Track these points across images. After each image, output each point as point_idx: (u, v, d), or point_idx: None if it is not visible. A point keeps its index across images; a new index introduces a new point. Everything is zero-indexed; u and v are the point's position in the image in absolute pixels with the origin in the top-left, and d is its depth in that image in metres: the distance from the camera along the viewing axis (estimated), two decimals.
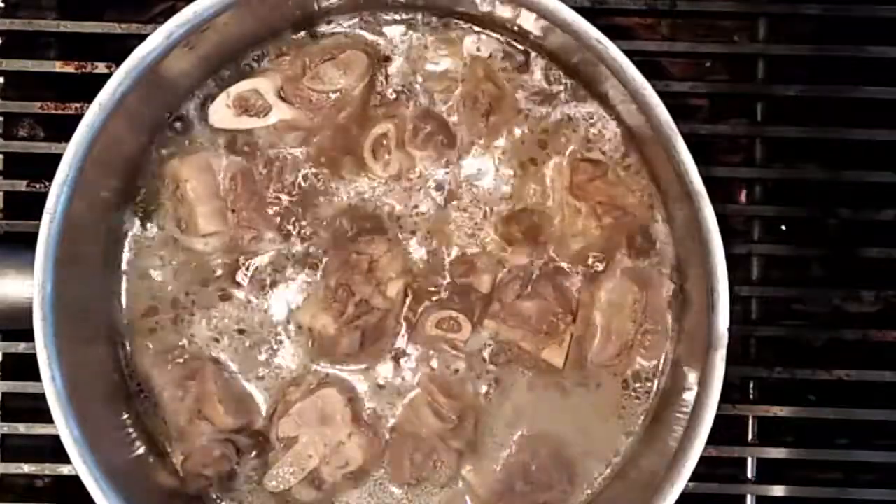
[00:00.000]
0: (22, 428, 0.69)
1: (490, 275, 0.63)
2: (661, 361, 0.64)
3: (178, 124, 0.64)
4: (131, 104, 0.58)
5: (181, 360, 0.64)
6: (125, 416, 0.63)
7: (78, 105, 0.69)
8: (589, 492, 0.64)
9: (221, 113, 0.64)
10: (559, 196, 0.64)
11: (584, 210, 0.63)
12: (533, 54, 0.64)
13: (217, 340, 0.64)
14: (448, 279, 0.64)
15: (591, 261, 0.63)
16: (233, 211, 0.63)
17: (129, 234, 0.64)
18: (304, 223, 0.64)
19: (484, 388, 0.64)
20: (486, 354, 0.64)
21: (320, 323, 0.63)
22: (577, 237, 0.63)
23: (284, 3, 0.61)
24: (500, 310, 0.63)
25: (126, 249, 0.64)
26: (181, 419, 0.63)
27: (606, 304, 0.63)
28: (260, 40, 0.64)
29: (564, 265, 0.63)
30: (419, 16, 0.64)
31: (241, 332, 0.64)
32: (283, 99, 0.64)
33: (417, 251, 0.64)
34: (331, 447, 0.63)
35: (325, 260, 0.64)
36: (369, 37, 0.64)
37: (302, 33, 0.64)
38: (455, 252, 0.64)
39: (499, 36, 0.64)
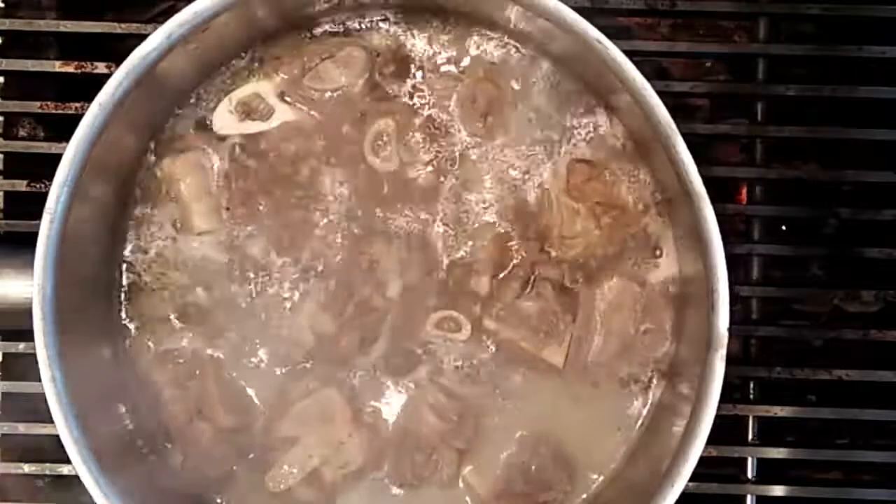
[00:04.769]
0: (22, 428, 0.69)
1: (488, 276, 0.63)
2: (661, 361, 0.64)
3: (177, 125, 0.64)
4: (131, 104, 0.57)
5: (181, 360, 0.64)
6: (125, 416, 0.63)
7: (78, 105, 0.69)
8: (588, 492, 0.64)
9: (225, 119, 0.64)
10: (557, 198, 0.64)
11: (583, 211, 0.63)
12: (533, 55, 0.64)
13: (217, 340, 0.64)
14: (447, 280, 0.63)
15: (591, 261, 0.63)
16: (227, 209, 0.63)
17: (128, 233, 0.64)
18: (303, 222, 0.64)
19: (484, 388, 0.64)
20: (486, 354, 0.64)
21: (320, 323, 0.63)
22: (576, 238, 0.63)
23: (284, 3, 0.62)
24: (500, 310, 0.63)
25: (125, 249, 0.64)
26: (181, 419, 0.63)
27: (606, 303, 0.63)
28: (259, 40, 0.64)
29: (564, 266, 0.63)
30: (419, 15, 0.64)
31: (240, 331, 0.64)
32: (284, 101, 0.64)
33: (417, 252, 0.64)
34: (331, 447, 0.63)
35: (324, 260, 0.64)
36: (368, 35, 0.64)
37: (301, 33, 0.64)
38: (454, 253, 0.64)
39: (499, 36, 0.64)
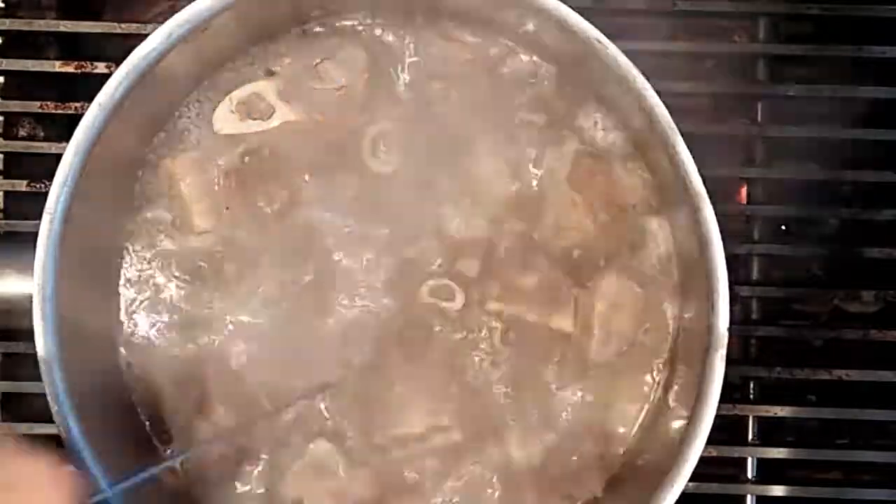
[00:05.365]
0: (22, 428, 0.69)
1: (478, 260, 0.63)
2: (661, 361, 0.64)
3: (178, 125, 0.64)
4: (131, 104, 0.58)
5: (182, 359, 0.64)
6: (125, 416, 0.63)
7: (78, 105, 0.69)
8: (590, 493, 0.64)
9: (225, 119, 0.64)
10: (558, 186, 0.64)
11: (581, 204, 0.63)
12: (533, 54, 0.64)
13: (217, 340, 0.64)
14: (440, 265, 0.63)
15: (584, 257, 0.63)
16: (227, 209, 0.63)
17: (128, 233, 0.64)
18: (303, 221, 0.64)
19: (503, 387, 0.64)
20: (495, 338, 0.63)
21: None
22: (570, 229, 0.63)
23: (284, 2, 0.62)
24: (500, 290, 0.63)
25: (125, 249, 0.64)
26: (181, 419, 0.63)
27: (606, 303, 0.63)
28: (260, 40, 0.64)
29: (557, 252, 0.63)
30: (419, 15, 0.64)
31: (241, 330, 0.64)
32: (284, 100, 0.64)
33: (412, 242, 0.64)
34: (337, 496, 0.63)
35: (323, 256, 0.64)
36: (368, 35, 0.64)
37: (301, 33, 0.64)
38: (447, 240, 0.63)
39: (499, 36, 0.64)
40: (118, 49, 0.67)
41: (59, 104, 0.69)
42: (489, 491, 0.63)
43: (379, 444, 0.63)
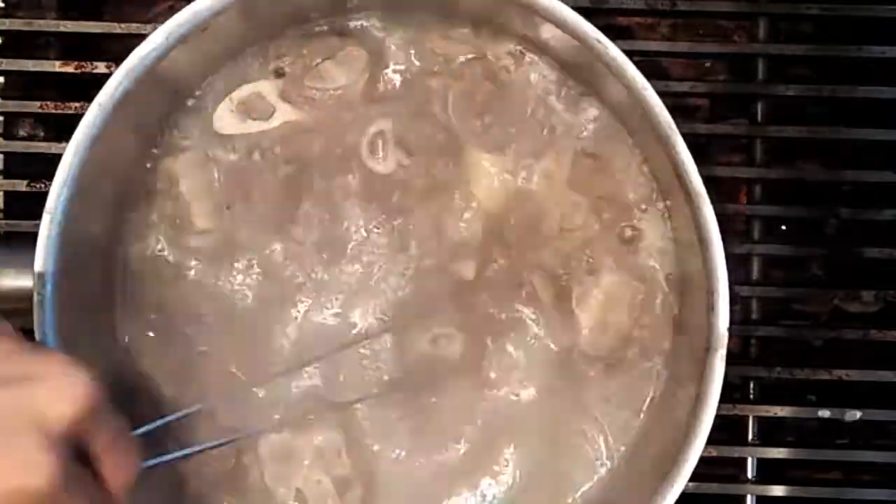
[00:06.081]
0: None
1: (474, 261, 0.63)
2: (661, 361, 0.64)
3: (178, 124, 0.64)
4: (131, 104, 0.58)
5: (182, 359, 0.64)
6: (125, 417, 0.63)
7: (78, 105, 0.69)
8: (586, 494, 0.64)
9: (226, 119, 0.64)
10: (557, 187, 0.64)
11: (584, 205, 0.63)
12: (532, 53, 0.64)
13: (217, 339, 0.64)
14: (437, 267, 0.63)
15: (588, 255, 0.63)
16: (228, 208, 0.63)
17: (128, 233, 0.64)
18: (302, 221, 0.64)
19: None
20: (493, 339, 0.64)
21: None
22: (575, 231, 0.63)
23: (285, 2, 0.62)
24: (498, 290, 0.63)
25: (125, 249, 0.64)
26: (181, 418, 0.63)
27: (604, 297, 0.63)
28: (260, 40, 0.64)
29: (561, 257, 0.63)
30: (418, 15, 0.64)
31: (241, 330, 0.64)
32: (285, 100, 0.64)
33: (412, 242, 0.64)
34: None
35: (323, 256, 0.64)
36: (368, 35, 0.64)
37: (301, 32, 0.64)
38: (445, 242, 0.63)
39: (498, 35, 0.64)
40: (118, 49, 0.67)
41: (59, 104, 0.69)
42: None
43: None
